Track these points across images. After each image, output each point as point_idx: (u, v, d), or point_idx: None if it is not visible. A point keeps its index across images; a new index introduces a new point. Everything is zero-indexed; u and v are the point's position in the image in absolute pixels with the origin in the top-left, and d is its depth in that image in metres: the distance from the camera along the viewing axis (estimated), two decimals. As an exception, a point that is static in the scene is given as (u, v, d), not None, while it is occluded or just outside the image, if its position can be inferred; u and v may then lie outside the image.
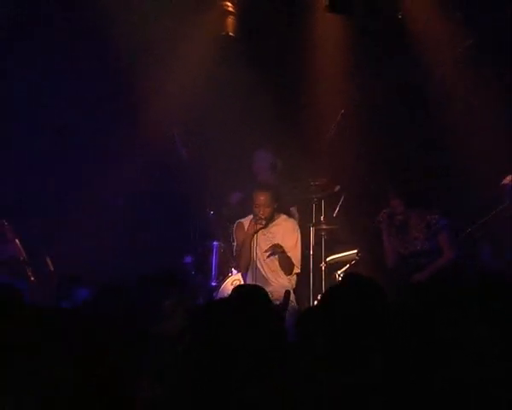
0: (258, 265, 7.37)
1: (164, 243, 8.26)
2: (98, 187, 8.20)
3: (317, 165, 8.16)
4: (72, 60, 8.44)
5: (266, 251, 7.28)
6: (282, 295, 5.97)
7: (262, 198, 7.23)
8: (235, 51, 8.47)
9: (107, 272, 7.19)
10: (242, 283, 7.18)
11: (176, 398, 2.98)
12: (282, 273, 7.34)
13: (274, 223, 7.39)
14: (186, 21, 8.43)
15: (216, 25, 8.53)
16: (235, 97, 8.37)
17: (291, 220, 7.56)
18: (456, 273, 6.94)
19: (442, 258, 7.10)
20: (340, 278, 7.58)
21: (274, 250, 7.25)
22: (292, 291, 7.13)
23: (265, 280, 7.25)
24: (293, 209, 8.02)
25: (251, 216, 7.37)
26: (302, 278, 7.55)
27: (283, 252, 7.26)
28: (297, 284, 7.46)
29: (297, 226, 7.50)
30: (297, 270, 7.40)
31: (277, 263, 7.31)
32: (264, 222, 7.25)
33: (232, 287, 6.51)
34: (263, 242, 7.30)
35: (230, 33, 8.50)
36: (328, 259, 7.81)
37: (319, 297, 6.83)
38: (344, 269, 7.79)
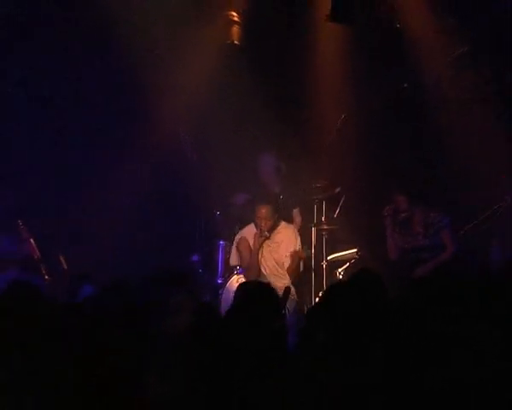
0: (263, 271, 7.57)
1: (172, 242, 8.41)
2: (110, 188, 8.31)
3: (318, 167, 8.33)
4: (72, 60, 8.43)
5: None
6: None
7: (263, 211, 7.48)
8: (239, 58, 8.68)
9: (116, 270, 7.31)
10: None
11: (179, 397, 2.98)
12: (285, 277, 7.53)
13: (276, 231, 7.62)
14: (193, 30, 8.58)
15: (222, 33, 8.74)
16: (239, 102, 8.57)
17: (290, 226, 7.78)
18: (457, 268, 7.04)
19: (445, 253, 7.28)
20: (341, 276, 7.89)
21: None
22: (292, 287, 7.27)
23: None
24: (296, 211, 8.17)
25: (251, 226, 7.60)
26: (304, 275, 7.79)
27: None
28: (299, 282, 7.68)
29: (296, 231, 7.74)
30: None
31: (280, 270, 7.53)
32: (267, 234, 7.52)
33: (237, 284, 6.65)
34: (268, 253, 7.56)
35: (235, 42, 8.73)
36: (329, 257, 8.02)
37: (320, 294, 7.09)
38: (344, 267, 8.00)
